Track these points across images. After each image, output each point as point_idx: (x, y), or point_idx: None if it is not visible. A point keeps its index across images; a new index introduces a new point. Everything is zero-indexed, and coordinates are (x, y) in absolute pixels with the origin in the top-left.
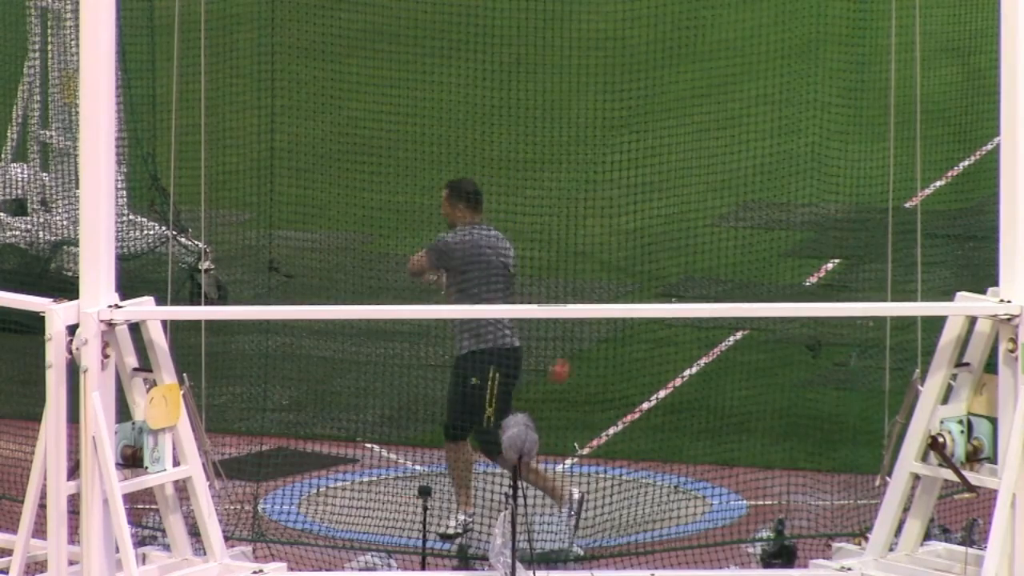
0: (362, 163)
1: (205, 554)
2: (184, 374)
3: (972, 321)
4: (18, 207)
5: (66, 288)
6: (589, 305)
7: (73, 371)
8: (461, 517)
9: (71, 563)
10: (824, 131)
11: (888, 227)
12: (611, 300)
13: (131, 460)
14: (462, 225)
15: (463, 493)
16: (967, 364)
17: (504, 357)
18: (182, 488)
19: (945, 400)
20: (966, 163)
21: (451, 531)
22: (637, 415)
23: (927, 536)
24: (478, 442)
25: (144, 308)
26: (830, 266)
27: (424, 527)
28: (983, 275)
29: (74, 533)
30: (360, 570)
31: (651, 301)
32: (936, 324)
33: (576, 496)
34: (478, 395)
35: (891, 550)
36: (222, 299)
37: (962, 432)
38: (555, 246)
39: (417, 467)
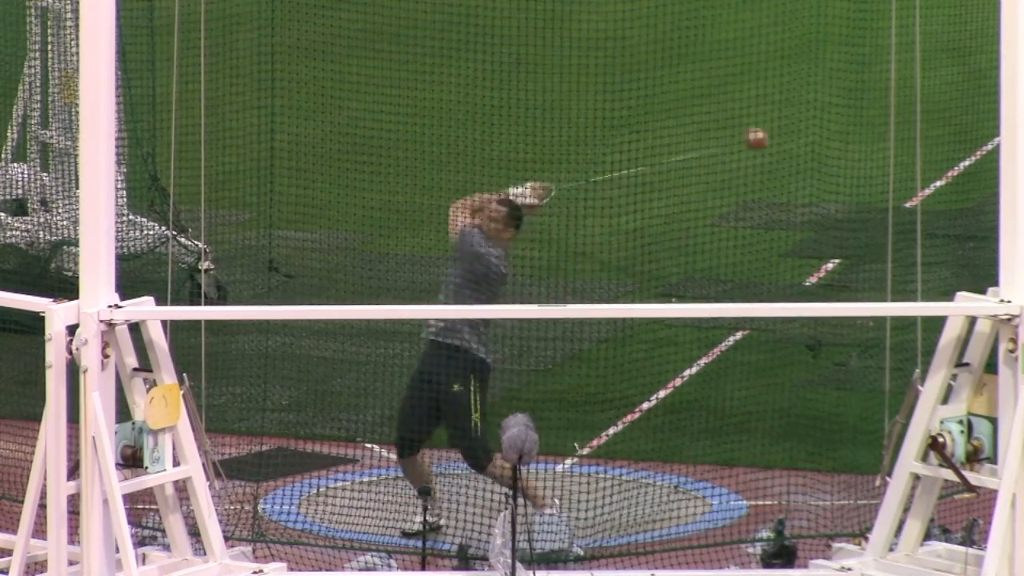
0: (362, 163)
1: (205, 554)
2: (184, 374)
3: (972, 321)
4: (18, 207)
5: (66, 288)
6: (589, 305)
7: (73, 371)
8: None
9: (71, 563)
10: (824, 131)
11: (888, 227)
12: (611, 300)
13: (131, 460)
14: (496, 243)
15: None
16: (967, 364)
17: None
18: (182, 488)
19: (945, 400)
20: (966, 163)
21: (421, 523)
22: (637, 415)
23: (927, 536)
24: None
25: (144, 308)
26: (830, 266)
27: (424, 527)
28: (983, 275)
29: (74, 533)
30: (360, 570)
31: (651, 301)
32: (936, 324)
33: (553, 508)
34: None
35: (891, 550)
36: (222, 299)
37: (962, 432)
38: (555, 246)
39: None
